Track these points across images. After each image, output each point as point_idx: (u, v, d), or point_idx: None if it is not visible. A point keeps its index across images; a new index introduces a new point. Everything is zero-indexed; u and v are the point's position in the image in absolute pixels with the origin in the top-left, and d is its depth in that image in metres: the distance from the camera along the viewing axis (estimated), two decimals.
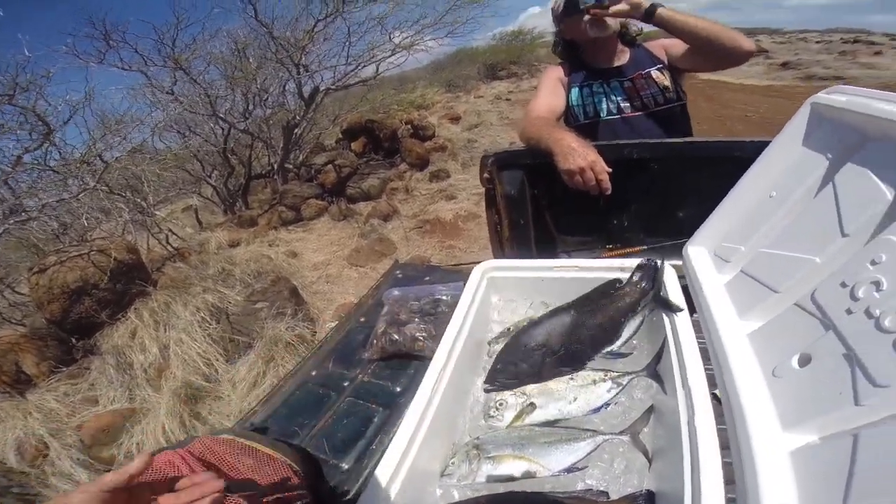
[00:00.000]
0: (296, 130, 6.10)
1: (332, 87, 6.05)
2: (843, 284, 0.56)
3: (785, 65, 13.15)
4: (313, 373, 1.21)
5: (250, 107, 5.95)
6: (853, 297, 0.53)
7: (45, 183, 3.96)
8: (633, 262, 0.98)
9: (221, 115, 5.40)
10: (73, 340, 3.21)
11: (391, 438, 0.73)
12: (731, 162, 0.95)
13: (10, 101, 3.51)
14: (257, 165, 6.48)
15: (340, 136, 7.32)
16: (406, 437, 0.72)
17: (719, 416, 0.65)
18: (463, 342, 0.89)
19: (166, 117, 5.21)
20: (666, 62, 1.69)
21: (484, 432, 0.82)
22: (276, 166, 6.11)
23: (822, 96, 0.77)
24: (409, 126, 7.20)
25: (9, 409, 2.68)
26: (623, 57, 1.72)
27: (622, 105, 1.66)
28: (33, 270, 3.20)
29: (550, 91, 1.74)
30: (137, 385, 2.85)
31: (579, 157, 1.31)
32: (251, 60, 5.78)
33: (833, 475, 0.46)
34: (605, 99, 1.69)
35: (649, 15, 1.50)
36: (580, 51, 1.77)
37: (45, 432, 2.53)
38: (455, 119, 8.88)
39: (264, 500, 0.66)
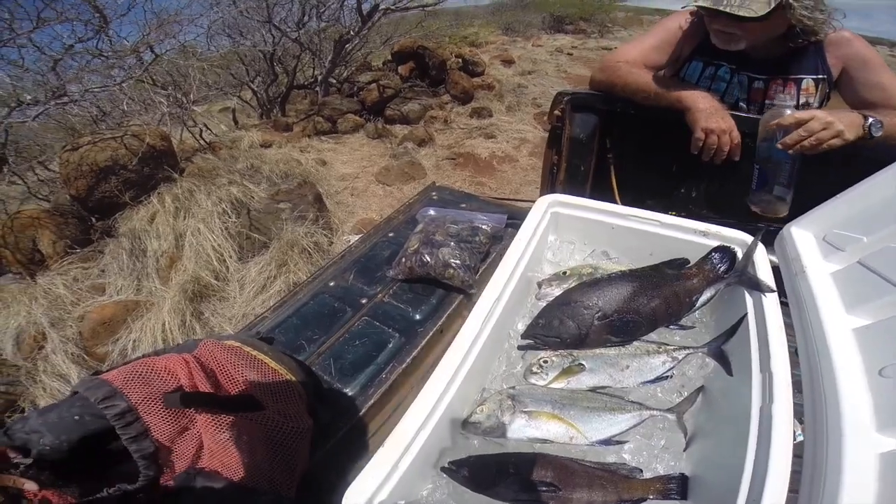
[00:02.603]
0: (347, 46, 5.85)
1: (392, 6, 5.72)
2: None
3: None
4: (331, 283, 1.12)
5: (306, 17, 5.68)
6: None
7: (91, 70, 3.84)
8: (722, 231, 0.86)
9: (275, 23, 5.17)
10: (93, 220, 3.20)
11: (428, 374, 0.64)
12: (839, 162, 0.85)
13: None
14: (301, 76, 6.28)
15: (389, 58, 7.01)
16: (446, 377, 0.63)
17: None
18: (516, 281, 0.79)
19: (221, 18, 5.00)
20: (835, 76, 1.34)
21: (518, 382, 0.74)
22: (319, 79, 5.91)
23: None
24: (459, 59, 6.86)
25: (16, 292, 2.65)
26: (778, 49, 1.34)
27: (739, 105, 1.40)
28: (66, 148, 3.16)
29: (656, 45, 1.46)
30: (146, 275, 2.81)
31: (721, 119, 1.22)
32: None
33: None
34: (724, 91, 1.41)
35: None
36: None
37: (47, 322, 2.48)
38: (508, 62, 8.42)
39: (262, 420, 0.60)
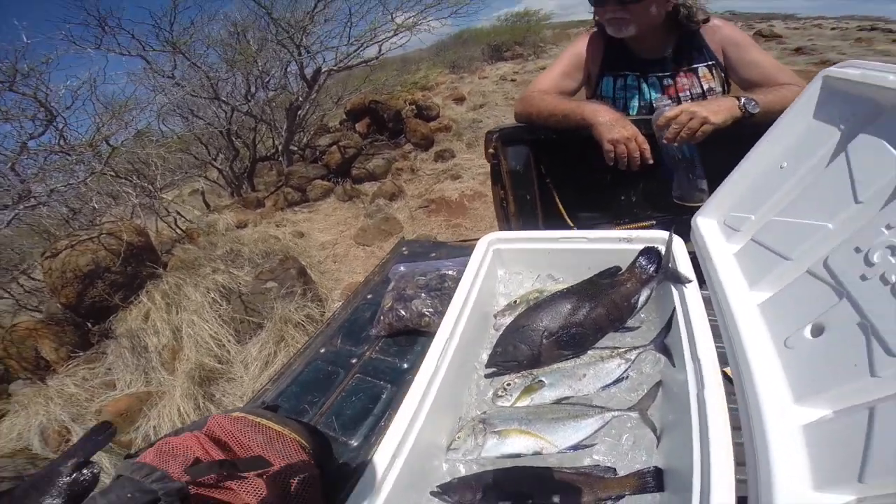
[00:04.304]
0: (299, 112, 6.07)
1: (335, 68, 6.00)
2: (858, 250, 0.54)
3: (798, 50, 12.53)
4: (322, 350, 1.21)
5: (252, 89, 5.93)
6: (868, 263, 0.52)
7: (52, 168, 3.98)
8: (642, 234, 0.96)
9: (223, 98, 5.40)
10: (89, 325, 3.28)
11: (396, 413, 0.73)
12: (742, 139, 0.92)
13: (11, 87, 3.52)
14: (262, 148, 6.48)
15: (344, 117, 7.27)
16: (411, 411, 0.71)
17: (730, 396, 0.64)
18: (468, 315, 0.88)
19: (169, 101, 5.19)
20: (721, 61, 1.48)
21: (489, 407, 0.82)
22: (280, 148, 6.11)
23: (835, 70, 0.74)
24: (412, 106, 7.13)
25: (31, 395, 2.76)
26: (668, 45, 1.49)
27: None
28: (46, 255, 3.25)
29: (565, 72, 1.59)
30: (152, 368, 2.91)
31: (622, 128, 1.29)
32: (251, 43, 5.73)
33: (848, 450, 0.44)
34: (637, 96, 1.53)
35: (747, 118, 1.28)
36: None
37: (67, 417, 2.60)
38: (459, 99, 8.77)
39: (273, 476, 0.67)
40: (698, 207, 0.94)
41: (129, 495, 0.59)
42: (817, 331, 0.56)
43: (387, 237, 4.41)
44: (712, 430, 0.59)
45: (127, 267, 3.29)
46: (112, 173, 4.16)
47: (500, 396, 0.80)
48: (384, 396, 1.03)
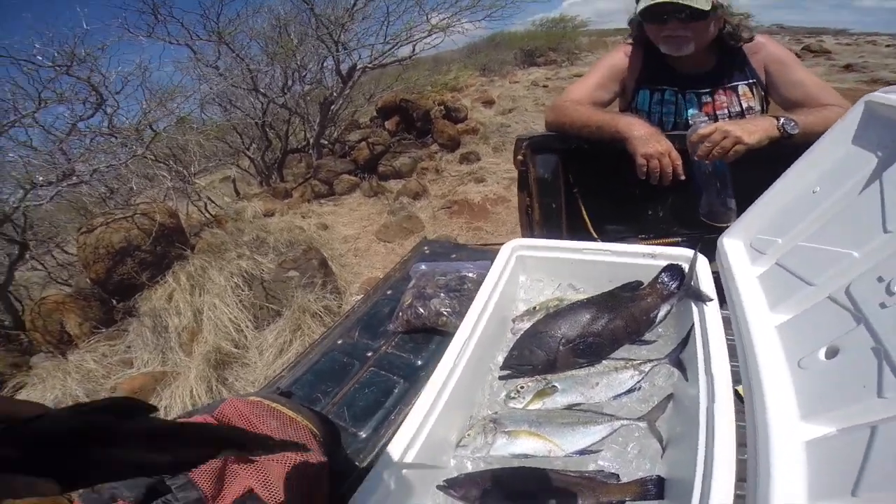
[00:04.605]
0: (332, 107, 6.18)
1: (370, 65, 6.08)
2: (880, 279, 0.54)
3: (848, 67, 12.14)
4: (339, 341, 1.24)
5: (289, 82, 6.06)
6: (889, 292, 0.52)
7: (97, 150, 4.16)
8: (666, 251, 0.97)
9: (261, 90, 5.51)
10: (114, 302, 3.39)
11: (411, 407, 0.75)
12: (780, 159, 0.91)
13: (68, 71, 3.67)
14: (294, 140, 6.61)
15: (375, 114, 7.36)
16: (426, 406, 0.74)
17: (739, 413, 0.65)
18: (487, 317, 0.90)
19: (211, 91, 5.35)
20: (762, 79, 1.46)
21: (501, 408, 0.84)
22: (311, 141, 6.22)
23: (878, 94, 0.74)
24: (441, 107, 7.17)
25: (51, 368, 2.85)
26: (710, 61, 1.47)
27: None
28: (82, 231, 3.38)
29: (600, 83, 1.57)
30: (170, 348, 2.99)
31: (657, 142, 1.28)
32: (292, 37, 5.85)
33: (845, 466, 0.46)
34: (674, 112, 1.51)
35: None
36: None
37: (82, 393, 2.69)
38: (488, 103, 8.79)
39: (282, 460, 0.70)
40: (725, 227, 0.94)
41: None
42: (832, 353, 0.57)
43: (408, 235, 4.46)
44: (718, 444, 0.60)
45: (157, 247, 3.40)
46: (152, 157, 4.31)
47: (513, 398, 0.82)
48: (396, 391, 1.05)
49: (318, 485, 0.72)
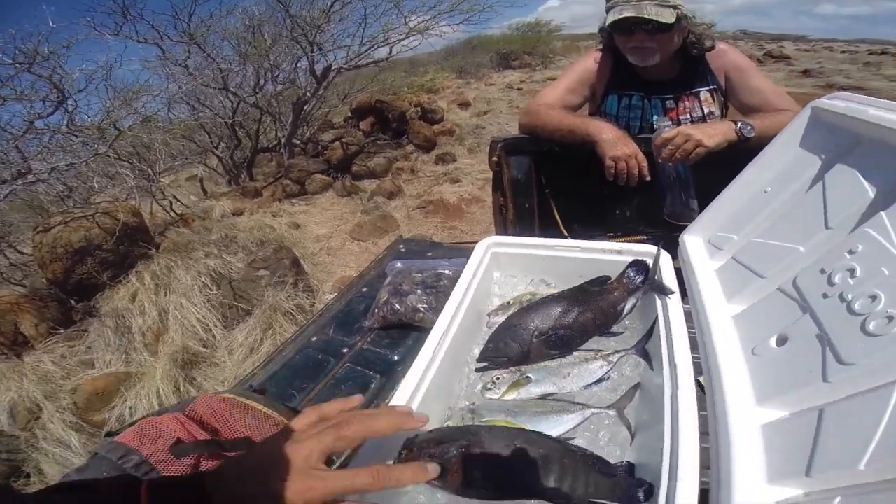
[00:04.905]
0: (305, 107, 6.10)
1: (345, 66, 6.03)
2: (822, 271, 0.60)
3: (806, 72, 12.69)
4: (314, 338, 1.25)
5: (261, 82, 5.96)
6: (830, 283, 0.57)
7: (55, 148, 4.00)
8: (632, 247, 1.02)
9: (232, 90, 5.41)
10: (73, 302, 3.24)
11: (390, 399, 0.76)
12: (737, 161, 0.97)
13: (30, 69, 3.53)
14: (264, 139, 6.49)
15: (349, 114, 7.31)
16: (406, 397, 0.75)
17: (701, 404, 0.67)
18: (464, 312, 0.92)
19: (180, 90, 5.22)
20: (722, 85, 1.53)
21: (478, 399, 0.86)
22: (283, 141, 6.12)
23: (823, 101, 0.81)
24: (417, 108, 7.18)
25: (5, 371, 2.70)
26: (674, 69, 1.55)
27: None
28: (37, 230, 3.22)
29: (571, 87, 1.63)
30: (135, 349, 2.87)
31: (625, 146, 1.34)
32: (266, 37, 5.76)
33: (798, 448, 0.49)
34: (640, 116, 1.59)
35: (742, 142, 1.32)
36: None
37: (40, 394, 2.55)
38: (464, 105, 8.85)
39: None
40: (687, 226, 1.00)
41: (104, 474, 0.61)
42: (781, 341, 0.62)
43: (382, 234, 4.44)
44: (682, 430, 0.63)
45: (119, 246, 3.27)
46: (115, 155, 4.17)
47: (489, 389, 0.84)
48: (373, 386, 1.07)
49: None
